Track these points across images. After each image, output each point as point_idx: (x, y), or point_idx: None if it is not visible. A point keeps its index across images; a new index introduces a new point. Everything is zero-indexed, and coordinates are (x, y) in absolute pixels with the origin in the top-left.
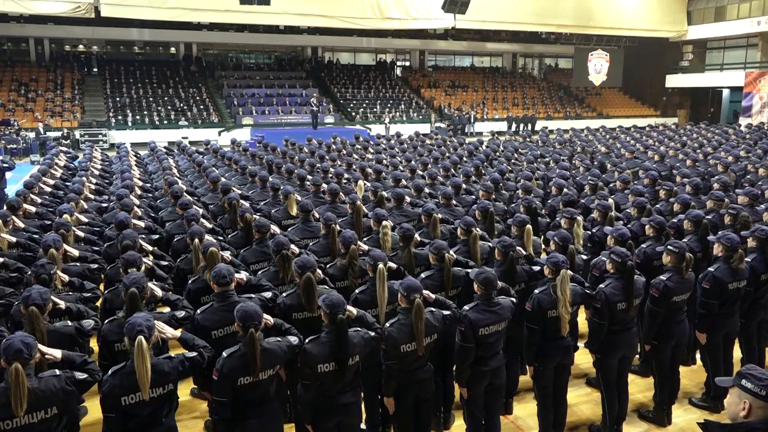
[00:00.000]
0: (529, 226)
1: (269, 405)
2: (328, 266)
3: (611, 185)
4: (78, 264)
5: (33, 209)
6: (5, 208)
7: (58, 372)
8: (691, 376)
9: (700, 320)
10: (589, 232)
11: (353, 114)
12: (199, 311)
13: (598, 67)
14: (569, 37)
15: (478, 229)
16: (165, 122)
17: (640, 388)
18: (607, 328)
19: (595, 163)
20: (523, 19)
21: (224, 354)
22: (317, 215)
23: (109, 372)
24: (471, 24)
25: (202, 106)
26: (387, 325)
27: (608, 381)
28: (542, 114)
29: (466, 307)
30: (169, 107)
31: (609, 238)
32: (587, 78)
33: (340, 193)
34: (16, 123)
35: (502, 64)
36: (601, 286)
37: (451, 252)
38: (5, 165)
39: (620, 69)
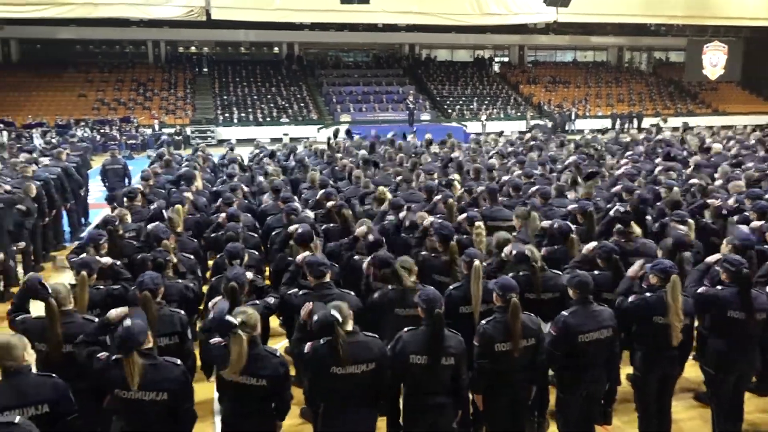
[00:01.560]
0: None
1: (365, 403)
2: None
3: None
4: (192, 257)
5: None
6: (125, 199)
7: (178, 362)
8: None
9: None
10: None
11: (449, 111)
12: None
13: (714, 60)
14: (681, 28)
15: (574, 233)
16: (268, 119)
17: (757, 408)
18: (721, 341)
19: (712, 161)
20: (630, 10)
21: (320, 341)
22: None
23: None
24: (574, 17)
25: (302, 104)
26: (483, 322)
27: (720, 398)
28: (650, 111)
29: (564, 312)
30: (271, 105)
31: (725, 244)
32: (701, 72)
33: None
34: (135, 120)
35: (607, 58)
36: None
37: (539, 252)
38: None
39: (739, 62)
